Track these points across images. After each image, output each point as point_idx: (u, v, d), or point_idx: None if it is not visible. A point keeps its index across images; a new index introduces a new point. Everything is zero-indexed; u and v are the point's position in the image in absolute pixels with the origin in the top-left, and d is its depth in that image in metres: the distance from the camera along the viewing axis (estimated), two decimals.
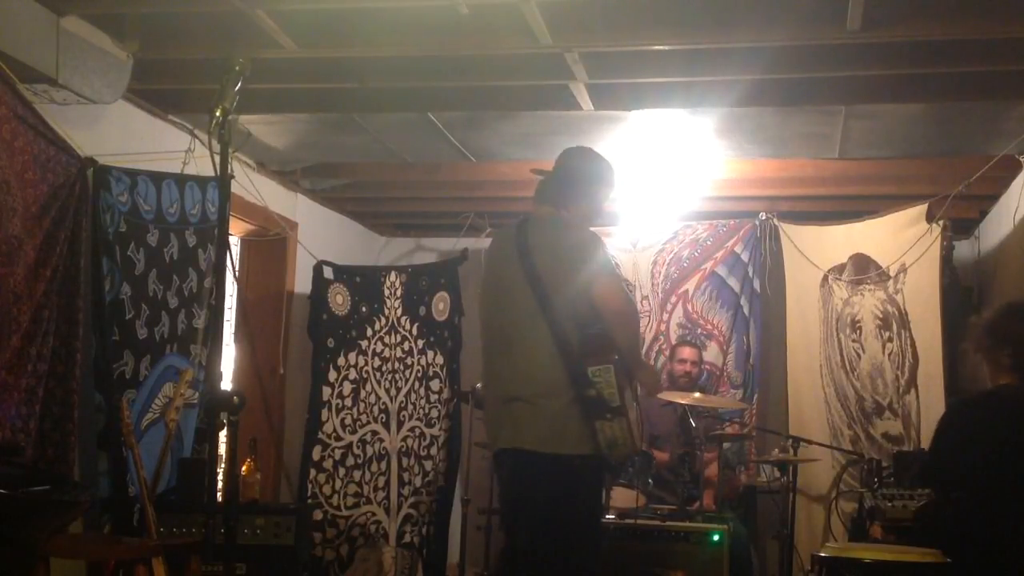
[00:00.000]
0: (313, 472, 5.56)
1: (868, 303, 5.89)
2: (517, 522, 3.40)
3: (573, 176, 3.50)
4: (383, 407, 5.88)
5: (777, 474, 5.23)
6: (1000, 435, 3.19)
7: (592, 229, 3.48)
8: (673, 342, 6.27)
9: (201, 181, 4.71)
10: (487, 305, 3.54)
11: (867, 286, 5.91)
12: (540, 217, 3.48)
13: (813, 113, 4.66)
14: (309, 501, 5.45)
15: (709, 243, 6.47)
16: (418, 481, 6.05)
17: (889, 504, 4.45)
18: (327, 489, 5.61)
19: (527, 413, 3.26)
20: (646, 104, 4.51)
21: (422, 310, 6.17)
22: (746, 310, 6.36)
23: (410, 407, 6.04)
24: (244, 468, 4.61)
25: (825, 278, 6.07)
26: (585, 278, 3.27)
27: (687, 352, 5.81)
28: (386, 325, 5.95)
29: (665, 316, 6.50)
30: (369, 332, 5.91)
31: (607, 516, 4.68)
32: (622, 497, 4.84)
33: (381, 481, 5.85)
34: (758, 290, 6.34)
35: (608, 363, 3.18)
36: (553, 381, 3.24)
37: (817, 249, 6.11)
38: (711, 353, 6.35)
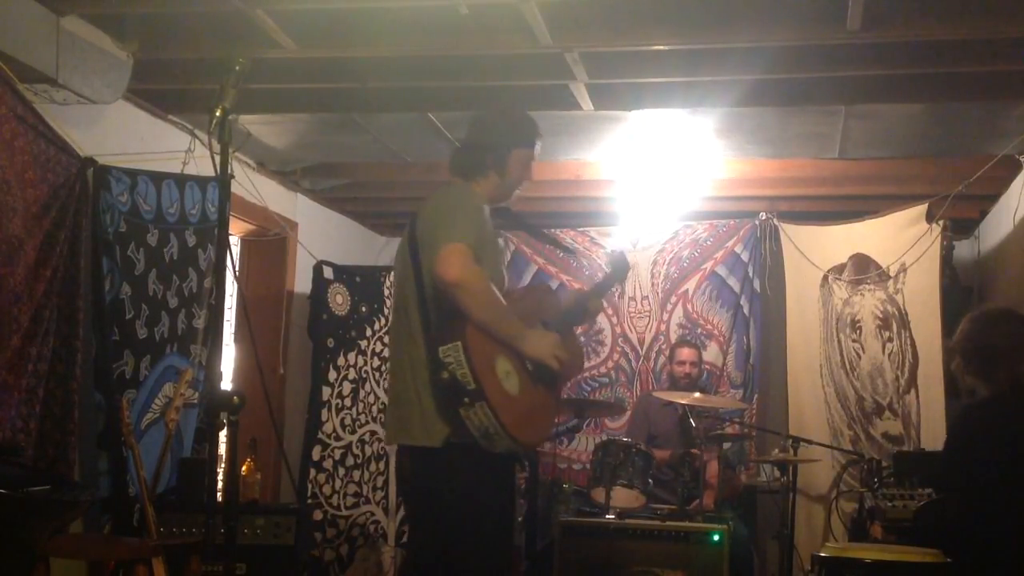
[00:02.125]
0: (313, 472, 5.57)
1: (868, 303, 5.89)
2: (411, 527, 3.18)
3: (479, 141, 3.12)
4: (382, 407, 5.88)
5: (777, 474, 5.23)
6: (1003, 437, 3.20)
7: (473, 190, 3.03)
8: (673, 342, 6.28)
9: (201, 181, 4.71)
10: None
11: (867, 286, 5.91)
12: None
13: (813, 113, 4.66)
14: (309, 501, 5.45)
15: (709, 243, 6.48)
16: None
17: (889, 504, 4.45)
18: (327, 489, 5.61)
19: (404, 402, 2.95)
20: (646, 104, 4.51)
21: None
22: (746, 310, 6.36)
23: None
24: (244, 468, 4.61)
25: (825, 278, 6.07)
26: (430, 243, 2.86)
27: (686, 353, 5.80)
28: (386, 325, 5.95)
29: (665, 316, 6.50)
30: (369, 332, 5.91)
31: (608, 516, 4.69)
32: (622, 497, 4.84)
33: (380, 481, 5.85)
34: (758, 290, 6.35)
35: (456, 340, 2.76)
36: (417, 364, 2.90)
37: (817, 249, 6.11)
38: (711, 353, 6.35)
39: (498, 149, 3.07)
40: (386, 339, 5.95)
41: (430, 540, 2.98)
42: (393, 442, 3.05)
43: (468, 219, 2.89)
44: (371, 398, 5.87)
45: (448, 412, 2.81)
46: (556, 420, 3.12)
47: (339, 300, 5.81)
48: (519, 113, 3.25)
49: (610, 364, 6.58)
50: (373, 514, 5.79)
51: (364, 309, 5.90)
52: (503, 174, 3.09)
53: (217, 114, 2.48)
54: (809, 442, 5.37)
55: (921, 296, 5.67)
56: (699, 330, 6.42)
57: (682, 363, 5.74)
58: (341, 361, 5.76)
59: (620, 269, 3.58)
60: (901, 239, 5.74)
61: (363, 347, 5.86)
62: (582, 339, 6.59)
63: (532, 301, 3.22)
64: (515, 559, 3.07)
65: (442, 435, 2.85)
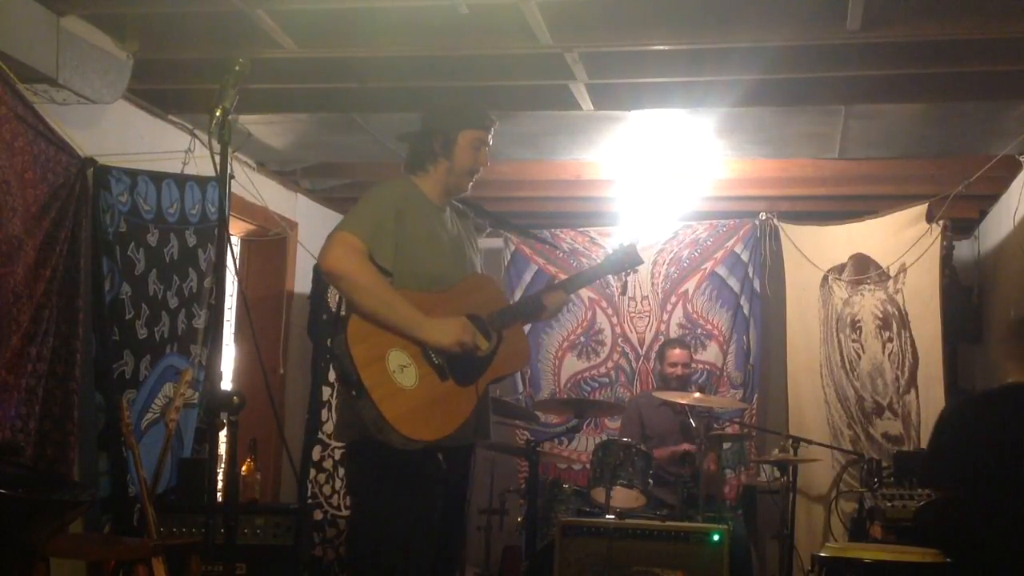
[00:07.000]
0: (313, 472, 5.56)
1: (868, 303, 5.89)
2: None
3: (426, 127, 3.10)
4: None
5: (777, 474, 5.23)
6: (1003, 434, 3.19)
7: (403, 182, 3.05)
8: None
9: (201, 181, 4.71)
10: None
11: (867, 286, 5.91)
12: None
13: (813, 113, 4.66)
14: (309, 501, 5.45)
15: (709, 243, 6.48)
16: None
17: (889, 504, 4.46)
18: (327, 489, 5.61)
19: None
20: (646, 104, 4.51)
21: None
22: (746, 310, 6.36)
23: None
24: (244, 468, 4.61)
25: (825, 278, 6.07)
26: None
27: (677, 354, 5.68)
28: None
29: (665, 316, 6.50)
30: None
31: (608, 516, 4.68)
32: (622, 497, 4.84)
33: None
34: (758, 290, 6.35)
35: (342, 332, 2.78)
36: None
37: (817, 249, 6.11)
38: (711, 353, 6.35)
39: (446, 131, 3.05)
40: None
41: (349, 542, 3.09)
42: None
43: (367, 210, 2.92)
44: None
45: (350, 408, 2.85)
46: (470, 413, 2.92)
47: (339, 300, 5.80)
48: (468, 99, 3.25)
49: (610, 364, 6.58)
50: None
51: None
52: (452, 158, 3.05)
53: (217, 114, 2.48)
54: (809, 442, 5.37)
55: (921, 296, 5.67)
56: (699, 330, 6.42)
57: (674, 365, 5.66)
58: None
59: (617, 261, 3.36)
60: (901, 239, 5.74)
61: None
62: (583, 339, 6.60)
63: (468, 294, 3.06)
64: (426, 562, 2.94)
65: (351, 434, 2.92)
